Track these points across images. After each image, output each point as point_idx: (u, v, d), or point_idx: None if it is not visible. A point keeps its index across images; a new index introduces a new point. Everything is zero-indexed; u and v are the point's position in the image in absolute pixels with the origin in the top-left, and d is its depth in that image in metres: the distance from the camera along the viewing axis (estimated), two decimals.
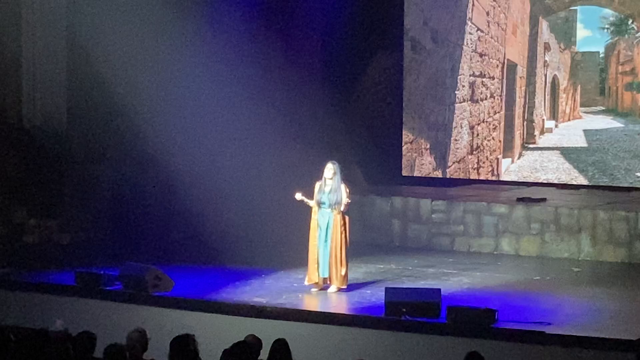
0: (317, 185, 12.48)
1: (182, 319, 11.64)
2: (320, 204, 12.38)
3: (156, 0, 15.09)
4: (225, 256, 14.30)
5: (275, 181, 15.49)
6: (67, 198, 15.57)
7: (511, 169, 16.97)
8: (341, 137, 15.99)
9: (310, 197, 12.44)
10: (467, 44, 16.82)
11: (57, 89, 15.79)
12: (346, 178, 12.76)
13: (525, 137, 17.13)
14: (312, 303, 12.21)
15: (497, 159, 16.94)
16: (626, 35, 16.50)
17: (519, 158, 17.02)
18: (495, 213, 15.49)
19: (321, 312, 11.71)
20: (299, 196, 12.40)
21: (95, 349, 7.96)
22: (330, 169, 12.38)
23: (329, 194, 12.36)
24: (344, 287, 12.48)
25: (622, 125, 16.56)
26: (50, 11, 15.63)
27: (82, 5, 15.41)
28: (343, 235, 12.42)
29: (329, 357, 10.58)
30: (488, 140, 16.95)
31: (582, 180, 16.38)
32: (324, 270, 12.44)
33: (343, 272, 12.44)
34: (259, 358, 8.24)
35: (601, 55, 16.89)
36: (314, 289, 12.56)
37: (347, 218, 12.50)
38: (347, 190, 12.43)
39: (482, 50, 16.88)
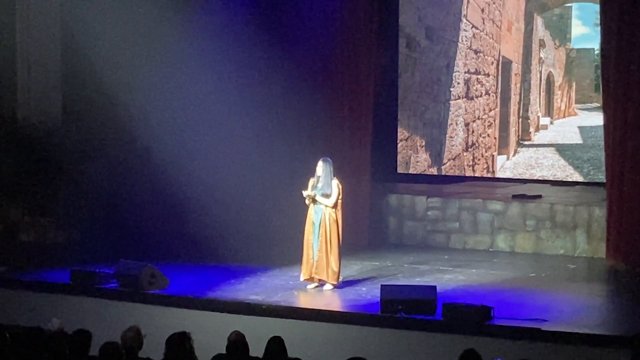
0: (311, 181, 12.51)
1: (177, 317, 11.64)
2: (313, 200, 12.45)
3: None
4: (220, 254, 14.29)
5: (270, 178, 15.47)
6: (62, 196, 15.56)
7: (506, 166, 16.96)
8: (336, 134, 15.97)
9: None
10: (462, 41, 16.81)
11: (52, 86, 15.78)
12: (340, 175, 12.78)
13: (520, 134, 17.13)
14: (307, 300, 12.21)
15: (493, 156, 16.93)
16: None
17: (514, 155, 17.01)
18: (490, 210, 15.50)
19: (317, 309, 11.71)
20: (305, 193, 12.44)
21: (91, 347, 7.95)
22: (320, 166, 12.43)
23: (320, 189, 12.39)
24: (335, 283, 12.48)
25: None
26: (44, 8, 15.63)
27: (76, 2, 15.39)
28: (335, 232, 12.42)
29: (325, 355, 10.57)
30: (483, 137, 16.94)
31: (577, 177, 16.37)
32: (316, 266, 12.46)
33: (335, 268, 12.44)
34: (255, 356, 8.24)
35: (596, 52, 16.87)
36: (309, 286, 12.57)
37: (339, 214, 12.50)
38: (339, 187, 12.45)
39: (477, 47, 16.87)
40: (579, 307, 11.81)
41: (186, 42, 15.38)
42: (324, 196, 12.41)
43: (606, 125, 14.42)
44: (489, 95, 17.00)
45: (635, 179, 14.04)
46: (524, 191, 15.97)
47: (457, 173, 16.91)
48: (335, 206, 12.44)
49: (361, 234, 15.56)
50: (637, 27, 13.99)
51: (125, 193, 15.71)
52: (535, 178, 16.70)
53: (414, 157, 17.04)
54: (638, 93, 14.00)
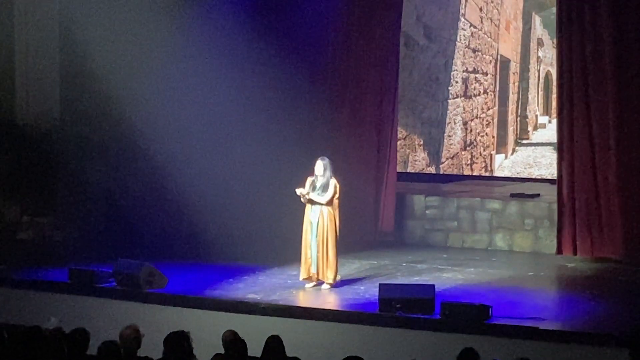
0: (309, 180, 12.49)
1: (176, 316, 11.64)
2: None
3: None
4: (218, 253, 14.29)
5: (268, 177, 15.47)
6: (60, 195, 15.55)
7: (505, 165, 16.98)
8: (335, 133, 15.98)
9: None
10: (460, 39, 16.83)
11: (50, 86, 15.76)
12: (338, 174, 12.78)
13: (518, 132, 17.15)
14: (305, 299, 12.22)
15: (491, 154, 16.95)
16: None
17: (512, 154, 17.03)
18: (489, 209, 15.50)
19: (315, 308, 11.72)
20: (299, 190, 12.42)
21: (89, 346, 7.95)
22: (319, 165, 12.42)
23: (319, 189, 12.39)
24: (332, 282, 12.48)
25: None
26: (43, 7, 15.62)
27: (75, 2, 15.38)
28: (332, 231, 12.41)
29: (323, 354, 10.56)
30: (481, 136, 16.96)
31: None
32: (314, 265, 12.46)
33: (332, 267, 12.44)
34: (253, 355, 8.24)
35: None
36: (307, 285, 12.57)
37: (337, 213, 12.49)
38: (337, 186, 12.44)
39: (475, 46, 16.89)
40: (577, 306, 11.81)
41: (186, 41, 15.38)
42: (322, 195, 12.40)
43: (559, 123, 14.55)
44: (487, 94, 17.02)
45: (584, 176, 14.17)
46: (522, 190, 15.98)
47: (455, 172, 16.93)
48: (330, 204, 12.42)
49: (388, 230, 15.55)
50: (592, 26, 14.13)
51: (123, 192, 15.70)
52: (533, 177, 16.72)
53: (412, 156, 17.05)
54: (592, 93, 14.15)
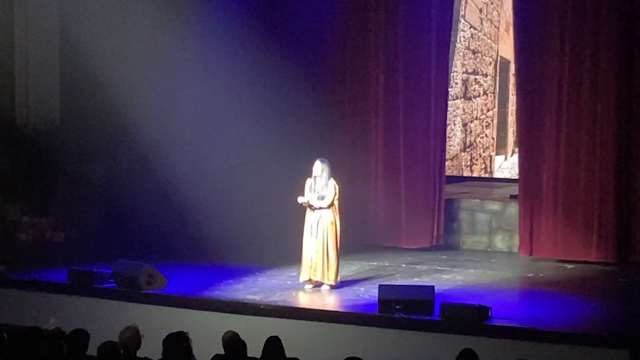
0: (308, 182, 12.48)
1: (175, 317, 11.65)
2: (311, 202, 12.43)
3: None
4: (218, 254, 14.29)
5: (268, 179, 15.47)
6: (60, 196, 15.56)
7: (504, 166, 16.96)
8: (335, 134, 15.98)
9: (303, 195, 12.45)
10: (460, 41, 16.81)
11: (50, 87, 15.78)
12: (338, 175, 12.78)
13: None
14: (305, 300, 12.22)
15: (490, 156, 16.93)
16: None
17: (512, 155, 17.01)
18: (488, 210, 15.50)
19: (314, 309, 11.72)
20: (300, 199, 12.41)
21: (89, 347, 7.96)
22: (318, 166, 12.41)
23: (319, 192, 12.38)
24: (333, 284, 12.48)
25: None
26: (43, 8, 15.63)
27: (75, 3, 15.39)
28: (333, 232, 12.41)
29: (322, 355, 10.58)
30: (481, 138, 16.95)
31: None
32: (314, 267, 12.45)
33: (333, 269, 12.43)
34: (252, 356, 8.25)
35: None
36: (307, 287, 12.57)
37: (337, 215, 12.49)
38: (337, 187, 12.43)
39: (475, 48, 16.88)
40: (577, 307, 11.81)
41: (186, 42, 15.38)
42: (320, 198, 12.39)
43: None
44: (487, 95, 17.01)
45: (546, 176, 14.29)
46: None
47: (455, 173, 16.90)
48: (330, 206, 12.42)
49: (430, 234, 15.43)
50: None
51: (123, 193, 15.71)
52: None
53: None
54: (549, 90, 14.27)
